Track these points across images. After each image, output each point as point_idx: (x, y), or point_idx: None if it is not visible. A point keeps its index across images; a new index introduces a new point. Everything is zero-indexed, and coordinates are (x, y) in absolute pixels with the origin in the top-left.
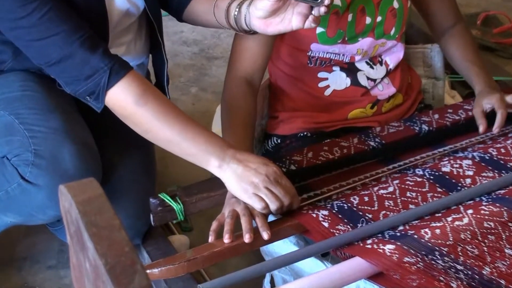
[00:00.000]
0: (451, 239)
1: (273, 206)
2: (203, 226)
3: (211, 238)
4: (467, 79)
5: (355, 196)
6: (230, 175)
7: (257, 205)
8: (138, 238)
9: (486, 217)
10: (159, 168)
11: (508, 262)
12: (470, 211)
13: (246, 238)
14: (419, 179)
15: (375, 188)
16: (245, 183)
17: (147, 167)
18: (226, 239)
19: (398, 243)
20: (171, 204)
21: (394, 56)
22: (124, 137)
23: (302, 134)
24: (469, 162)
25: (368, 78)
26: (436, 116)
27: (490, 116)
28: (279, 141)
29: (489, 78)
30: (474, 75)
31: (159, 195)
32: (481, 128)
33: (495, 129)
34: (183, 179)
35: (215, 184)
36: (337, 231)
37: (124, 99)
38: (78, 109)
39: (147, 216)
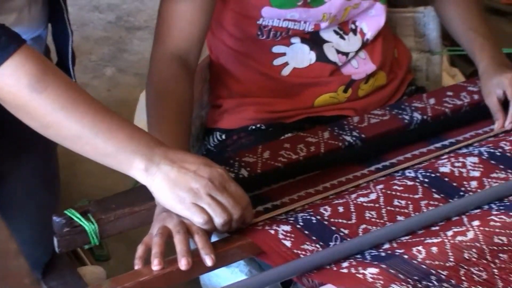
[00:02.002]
0: (451, 260)
1: (218, 219)
2: (123, 254)
3: (136, 268)
4: (469, 53)
5: (326, 207)
6: (160, 180)
7: (198, 219)
8: (37, 271)
9: (497, 230)
10: (64, 178)
11: None
12: (476, 223)
13: (182, 263)
14: (409, 183)
15: (353, 196)
16: (181, 190)
17: (48, 176)
18: (155, 265)
19: (383, 266)
20: (81, 223)
21: (372, 21)
22: (16, 137)
23: (254, 127)
24: (475, 159)
25: (338, 52)
26: (432, 101)
27: (503, 104)
28: (223, 137)
29: (497, 52)
30: (477, 48)
31: (66, 212)
32: (497, 124)
33: (508, 124)
34: (97, 192)
35: (140, 196)
36: (303, 252)
37: (14, 84)
38: None
39: (48, 241)
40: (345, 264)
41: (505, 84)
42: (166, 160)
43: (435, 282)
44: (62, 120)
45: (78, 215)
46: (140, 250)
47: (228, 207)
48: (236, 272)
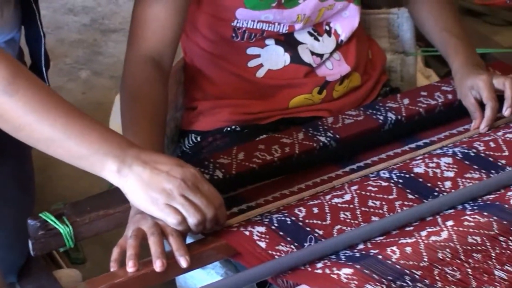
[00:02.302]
0: (425, 260)
1: (192, 219)
2: (99, 256)
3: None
4: (443, 54)
5: (300, 208)
6: (133, 182)
7: (171, 220)
8: (12, 275)
9: (471, 230)
10: (39, 181)
11: None
12: (450, 223)
13: (157, 265)
14: (384, 184)
15: (327, 197)
16: (154, 191)
17: (22, 179)
18: (130, 267)
19: (357, 266)
20: (56, 226)
21: (346, 23)
22: None
23: (229, 129)
24: (449, 160)
25: (313, 53)
26: (406, 101)
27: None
28: (198, 138)
29: (471, 52)
30: (451, 49)
31: (40, 214)
32: (473, 124)
33: (484, 128)
34: (72, 194)
35: (115, 198)
36: (278, 253)
37: None
38: None
39: (23, 244)
40: (319, 265)
41: (480, 86)
42: (138, 161)
43: (409, 282)
44: (33, 123)
45: (53, 218)
46: (115, 252)
47: (201, 207)
48: (212, 273)
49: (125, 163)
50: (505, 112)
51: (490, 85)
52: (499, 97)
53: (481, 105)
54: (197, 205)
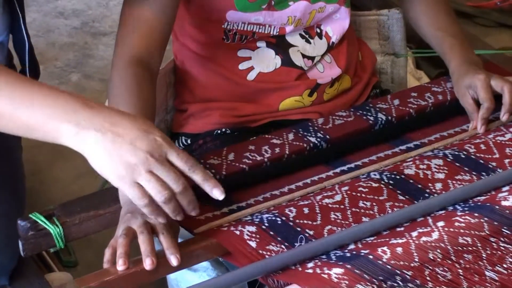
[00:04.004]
0: (416, 260)
1: (160, 197)
2: (91, 260)
3: None
4: (440, 54)
5: (291, 208)
6: (94, 148)
7: (139, 202)
8: (3, 278)
9: (462, 230)
10: (30, 185)
11: None
12: (441, 224)
13: (147, 263)
14: (375, 185)
15: (318, 197)
16: (119, 165)
17: (12, 182)
18: (120, 265)
19: (348, 266)
20: (46, 226)
21: (337, 25)
22: None
23: (219, 131)
24: (440, 162)
25: (304, 56)
26: (397, 102)
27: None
28: (189, 141)
29: (468, 51)
30: (447, 48)
31: (31, 215)
32: (471, 125)
33: (480, 128)
34: (64, 198)
35: (105, 199)
36: (268, 253)
37: None
38: None
39: (14, 247)
40: (310, 265)
41: (477, 86)
42: (96, 124)
43: (400, 283)
44: None
45: (43, 218)
46: (107, 253)
47: (169, 182)
48: (204, 276)
49: (81, 126)
50: (502, 117)
51: (487, 85)
52: (496, 97)
53: (478, 105)
54: (165, 180)
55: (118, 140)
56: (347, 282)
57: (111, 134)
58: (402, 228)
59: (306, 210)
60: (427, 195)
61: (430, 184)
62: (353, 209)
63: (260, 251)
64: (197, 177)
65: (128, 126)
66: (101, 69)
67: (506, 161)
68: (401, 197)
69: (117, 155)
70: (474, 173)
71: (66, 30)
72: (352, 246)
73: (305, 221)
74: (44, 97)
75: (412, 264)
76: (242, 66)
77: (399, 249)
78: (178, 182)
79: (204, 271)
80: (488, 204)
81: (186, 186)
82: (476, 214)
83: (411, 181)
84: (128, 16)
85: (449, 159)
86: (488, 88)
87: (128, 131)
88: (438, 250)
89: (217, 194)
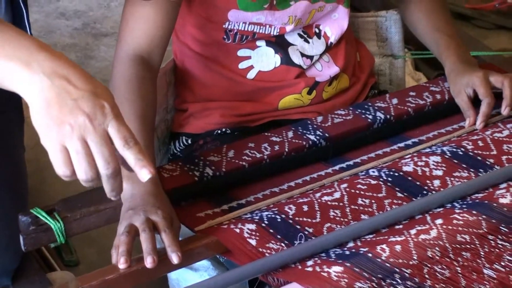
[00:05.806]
0: (415, 258)
1: (81, 175)
2: (93, 259)
3: None
4: (436, 54)
5: (291, 205)
6: (36, 95)
7: (60, 171)
8: (6, 278)
9: (460, 228)
10: (33, 183)
11: (488, 287)
12: (439, 221)
13: (148, 261)
14: (373, 182)
15: (317, 195)
16: (52, 121)
17: (14, 181)
18: (121, 263)
19: (347, 264)
20: (47, 221)
21: (335, 25)
22: None
23: (219, 131)
24: (438, 159)
25: (303, 55)
26: (395, 101)
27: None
28: (189, 141)
29: (463, 51)
30: (444, 48)
31: (32, 210)
32: (468, 122)
33: (479, 124)
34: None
35: (106, 195)
36: (268, 251)
37: None
38: None
39: (17, 247)
40: (310, 263)
41: (476, 84)
42: (48, 70)
43: (399, 280)
44: None
45: (44, 213)
46: (115, 255)
47: (99, 159)
48: (204, 276)
49: (32, 68)
50: (504, 111)
51: (486, 81)
52: (495, 94)
53: (474, 103)
54: (95, 156)
55: (62, 93)
56: (346, 280)
57: (59, 83)
58: (400, 226)
59: (305, 208)
60: (425, 192)
61: (428, 181)
62: (352, 207)
63: (260, 249)
64: (130, 155)
65: (82, 82)
66: (103, 70)
67: (504, 157)
68: (399, 194)
69: (56, 108)
70: (471, 170)
71: (68, 31)
72: (351, 244)
73: (305, 219)
74: (2, 33)
75: (411, 262)
76: (242, 65)
77: (398, 247)
78: (108, 163)
79: (205, 270)
80: (486, 201)
81: (115, 170)
82: (474, 212)
83: (409, 178)
84: (130, 15)
85: (447, 156)
86: (487, 84)
87: (79, 88)
88: (437, 248)
89: (145, 174)
